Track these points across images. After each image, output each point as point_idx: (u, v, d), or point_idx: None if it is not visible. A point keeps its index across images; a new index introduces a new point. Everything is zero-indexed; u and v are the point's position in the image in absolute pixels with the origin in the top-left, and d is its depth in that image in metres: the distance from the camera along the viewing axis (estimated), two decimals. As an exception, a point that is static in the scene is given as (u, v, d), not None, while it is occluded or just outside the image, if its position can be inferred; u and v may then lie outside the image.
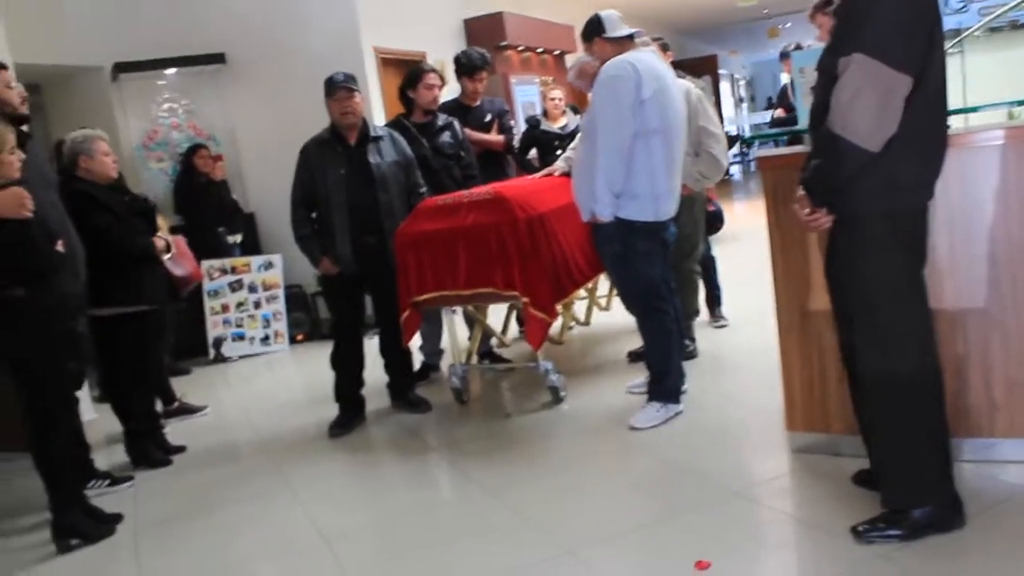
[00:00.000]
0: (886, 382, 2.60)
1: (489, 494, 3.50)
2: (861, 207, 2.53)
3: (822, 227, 2.66)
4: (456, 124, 5.18)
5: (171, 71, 7.40)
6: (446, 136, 5.10)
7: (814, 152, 2.63)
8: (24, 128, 3.73)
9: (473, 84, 5.54)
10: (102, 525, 3.61)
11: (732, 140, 19.11)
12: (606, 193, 3.75)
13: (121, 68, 7.11)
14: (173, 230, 5.82)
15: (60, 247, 3.50)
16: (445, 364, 5.22)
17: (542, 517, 3.20)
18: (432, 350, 5.39)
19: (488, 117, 5.64)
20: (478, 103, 5.65)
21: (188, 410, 5.32)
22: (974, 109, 3.89)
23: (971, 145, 2.97)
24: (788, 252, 3.27)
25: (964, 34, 7.50)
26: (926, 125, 2.48)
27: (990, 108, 3.83)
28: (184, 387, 5.66)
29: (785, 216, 2.78)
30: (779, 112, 8.44)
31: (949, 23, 10.19)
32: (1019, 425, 2.98)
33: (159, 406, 4.88)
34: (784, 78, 9.06)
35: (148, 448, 4.45)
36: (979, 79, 6.39)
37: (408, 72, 5.20)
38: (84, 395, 4.85)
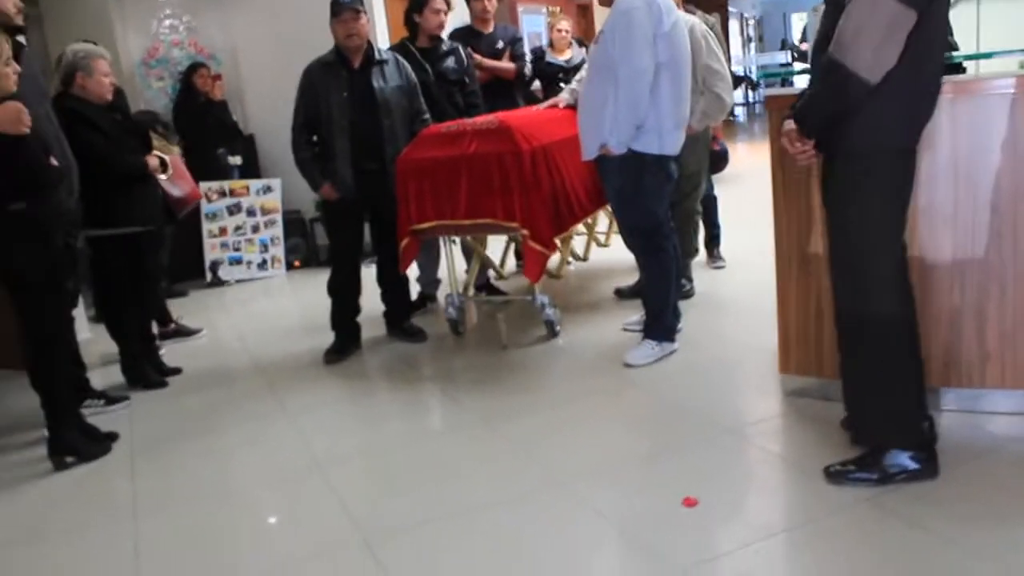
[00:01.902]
0: (856, 319, 2.64)
1: (482, 425, 3.53)
2: (853, 142, 2.53)
3: (809, 161, 2.66)
4: (461, 50, 5.11)
5: (173, -13, 7.27)
6: (450, 62, 5.02)
7: (813, 80, 2.61)
8: (20, 39, 3.66)
9: (480, 2, 5.44)
10: (98, 443, 3.65)
11: (739, 80, 18.89)
12: (629, 125, 3.69)
13: (122, -18, 6.98)
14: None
15: (53, 161, 3.47)
16: (441, 294, 5.22)
17: (534, 449, 3.23)
18: (429, 280, 5.40)
19: (500, 44, 5.57)
20: (491, 30, 5.56)
21: (184, 332, 5.34)
22: (988, 55, 3.84)
23: (981, 92, 2.93)
24: (790, 194, 3.25)
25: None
26: (922, 66, 2.48)
27: (1004, 55, 3.78)
28: (180, 309, 5.67)
29: (790, 157, 2.76)
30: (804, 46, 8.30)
31: (966, -33, 10.03)
32: (1009, 376, 2.99)
33: (155, 327, 4.88)
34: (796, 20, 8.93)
35: (144, 369, 4.47)
36: (995, 23, 6.30)
37: None
38: (80, 314, 4.85)
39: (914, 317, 2.67)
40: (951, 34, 4.83)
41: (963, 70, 3.71)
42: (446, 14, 5.05)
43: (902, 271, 2.65)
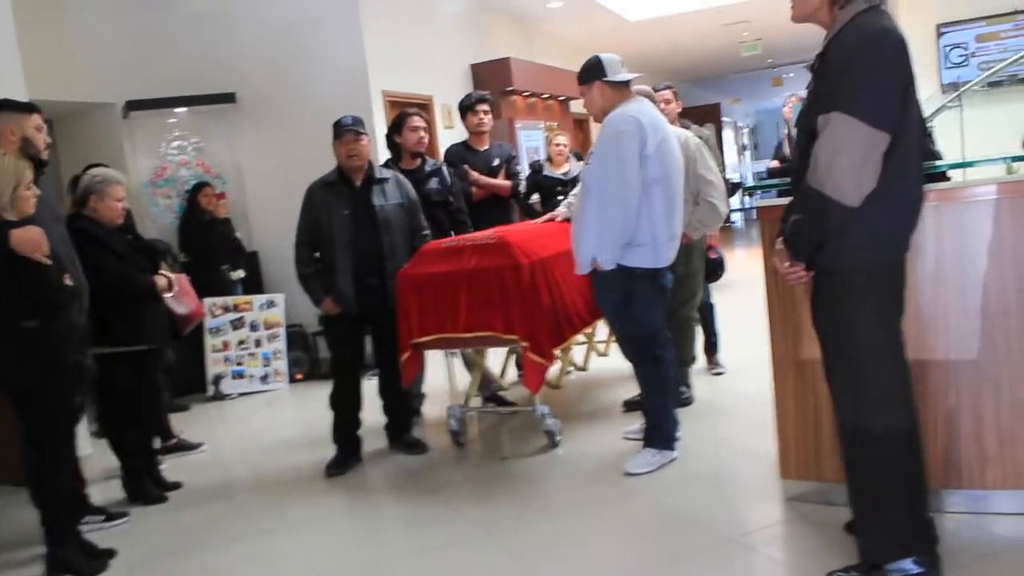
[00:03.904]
0: (859, 434, 2.62)
1: (485, 537, 3.51)
2: (839, 261, 2.57)
3: (800, 281, 2.70)
4: (445, 170, 5.22)
5: (182, 109, 7.52)
6: (433, 183, 5.14)
7: (795, 208, 2.67)
8: (41, 170, 3.82)
9: (476, 116, 5.57)
10: (95, 560, 3.61)
11: (734, 188, 19.22)
12: (615, 244, 3.78)
13: (133, 106, 7.22)
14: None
15: (68, 280, 3.56)
16: (436, 407, 5.21)
17: (538, 562, 3.21)
18: (414, 394, 5.26)
19: (496, 162, 5.69)
20: (486, 147, 5.69)
21: (185, 447, 5.34)
22: (971, 164, 3.94)
23: (966, 199, 3.02)
24: (784, 301, 3.31)
25: (963, 88, 7.59)
26: (903, 180, 2.52)
27: (987, 163, 3.88)
28: (182, 424, 5.68)
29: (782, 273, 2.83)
30: (774, 163, 8.55)
31: (948, 77, 10.36)
32: (1011, 477, 2.99)
33: (157, 442, 4.89)
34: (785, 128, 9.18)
35: (144, 484, 4.46)
36: (978, 133, 6.46)
37: (394, 118, 5.25)
38: (82, 429, 4.86)
39: (917, 427, 2.67)
40: (933, 143, 4.97)
41: (947, 178, 3.81)
42: (425, 131, 5.16)
43: (903, 382, 2.65)
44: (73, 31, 6.96)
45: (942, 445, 3.05)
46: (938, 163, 3.92)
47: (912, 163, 2.56)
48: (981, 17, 10.45)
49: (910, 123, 2.52)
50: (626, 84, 3.96)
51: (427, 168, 5.17)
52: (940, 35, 10.61)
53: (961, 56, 10.63)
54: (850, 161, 2.42)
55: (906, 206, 2.58)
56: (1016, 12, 10.12)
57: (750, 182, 22.88)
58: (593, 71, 3.95)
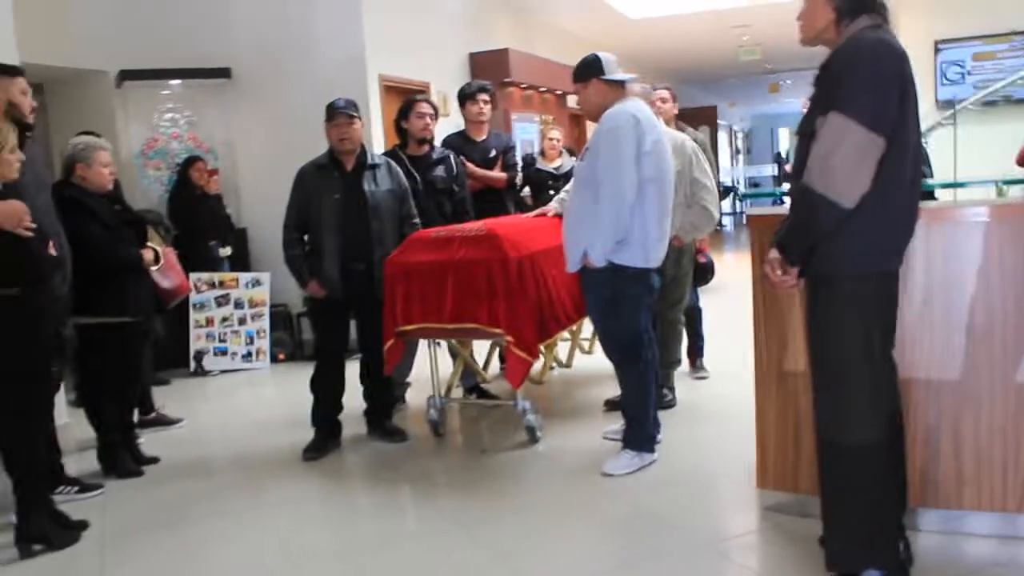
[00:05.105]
0: (837, 445, 2.65)
1: (459, 529, 3.50)
2: (828, 266, 2.59)
3: (791, 289, 2.72)
4: (452, 158, 5.18)
5: (176, 82, 7.45)
6: (440, 170, 5.10)
7: (791, 210, 2.69)
8: (27, 135, 3.77)
9: (476, 105, 5.53)
10: (67, 532, 3.58)
11: (726, 191, 19.31)
12: (609, 240, 3.76)
13: (126, 75, 7.16)
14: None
15: (52, 250, 3.52)
16: (419, 397, 5.20)
17: (509, 555, 3.21)
18: (399, 382, 5.25)
19: (493, 152, 5.64)
20: (484, 136, 5.66)
21: (164, 421, 5.32)
22: (963, 184, 3.96)
23: (956, 220, 3.02)
24: (771, 311, 3.31)
25: (958, 106, 7.64)
26: (898, 189, 2.55)
27: (979, 185, 3.90)
28: (162, 398, 5.65)
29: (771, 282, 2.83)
30: (788, 167, 8.59)
31: (944, 94, 10.40)
32: (986, 498, 3.01)
33: (136, 415, 4.86)
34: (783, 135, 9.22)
35: (120, 457, 4.43)
36: (971, 152, 6.49)
37: (402, 103, 5.22)
38: (59, 399, 4.82)
39: (897, 441, 2.68)
40: (927, 162, 4.99)
41: (934, 198, 3.83)
42: (432, 118, 5.11)
43: (886, 395, 2.66)
44: (71, -5, 6.89)
45: (920, 463, 3.06)
46: (930, 181, 3.93)
47: (905, 172, 2.58)
48: (979, 36, 10.52)
49: (906, 133, 2.54)
50: (622, 83, 3.94)
51: (435, 155, 5.13)
52: (938, 51, 10.66)
53: (958, 73, 10.68)
54: (844, 160, 2.45)
55: (895, 215, 2.60)
56: (1013, 33, 10.19)
57: (742, 186, 22.98)
58: (591, 68, 3.93)
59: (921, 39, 10.20)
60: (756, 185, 27.04)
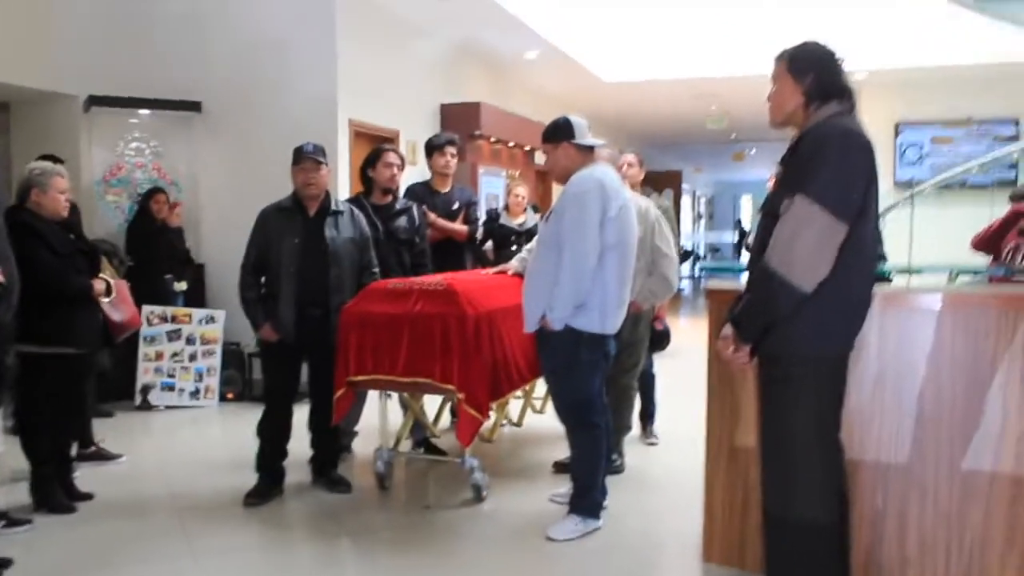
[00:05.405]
0: (784, 522, 2.65)
1: (396, 588, 3.43)
2: (783, 348, 2.61)
3: (744, 367, 2.73)
4: (415, 209, 5.19)
5: (145, 111, 7.42)
6: (403, 220, 5.10)
7: (748, 287, 2.71)
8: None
9: (443, 157, 5.55)
10: (-13, 570, 3.46)
11: (686, 255, 19.52)
12: (568, 305, 3.75)
13: (95, 100, 7.12)
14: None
15: (0, 277, 3.44)
16: (365, 447, 5.13)
17: (446, 620, 3.15)
18: (345, 431, 5.14)
19: (456, 205, 5.67)
20: (448, 189, 5.67)
21: (104, 456, 5.18)
22: (918, 271, 4.03)
23: (911, 306, 3.07)
24: (724, 386, 3.32)
25: (915, 189, 7.81)
26: (854, 276, 2.60)
27: (933, 272, 3.97)
28: (104, 431, 5.50)
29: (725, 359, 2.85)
30: (750, 240, 8.70)
31: (903, 175, 10.66)
32: (928, 584, 3.02)
33: (74, 449, 4.73)
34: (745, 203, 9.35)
35: (53, 491, 4.30)
36: (927, 234, 6.61)
37: (370, 152, 5.22)
38: (-4, 426, 4.71)
39: (843, 525, 2.69)
40: (881, 245, 5.07)
41: (889, 280, 3.89)
42: (399, 168, 5.13)
43: (833, 477, 2.67)
44: (44, 16, 6.85)
45: (866, 544, 3.07)
46: (886, 266, 3.99)
47: (865, 260, 2.63)
48: (937, 120, 10.84)
49: (867, 222, 2.59)
50: (591, 148, 3.97)
51: (398, 206, 5.14)
52: (898, 133, 10.94)
53: (916, 155, 10.96)
54: (806, 245, 2.49)
55: (854, 302, 2.64)
56: (970, 120, 10.51)
57: (703, 251, 23.26)
58: (562, 131, 3.95)
59: (882, 119, 10.49)
60: (716, 250, 27.47)
